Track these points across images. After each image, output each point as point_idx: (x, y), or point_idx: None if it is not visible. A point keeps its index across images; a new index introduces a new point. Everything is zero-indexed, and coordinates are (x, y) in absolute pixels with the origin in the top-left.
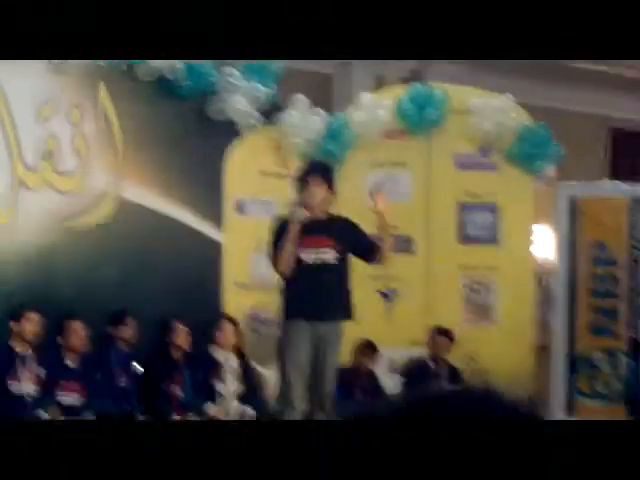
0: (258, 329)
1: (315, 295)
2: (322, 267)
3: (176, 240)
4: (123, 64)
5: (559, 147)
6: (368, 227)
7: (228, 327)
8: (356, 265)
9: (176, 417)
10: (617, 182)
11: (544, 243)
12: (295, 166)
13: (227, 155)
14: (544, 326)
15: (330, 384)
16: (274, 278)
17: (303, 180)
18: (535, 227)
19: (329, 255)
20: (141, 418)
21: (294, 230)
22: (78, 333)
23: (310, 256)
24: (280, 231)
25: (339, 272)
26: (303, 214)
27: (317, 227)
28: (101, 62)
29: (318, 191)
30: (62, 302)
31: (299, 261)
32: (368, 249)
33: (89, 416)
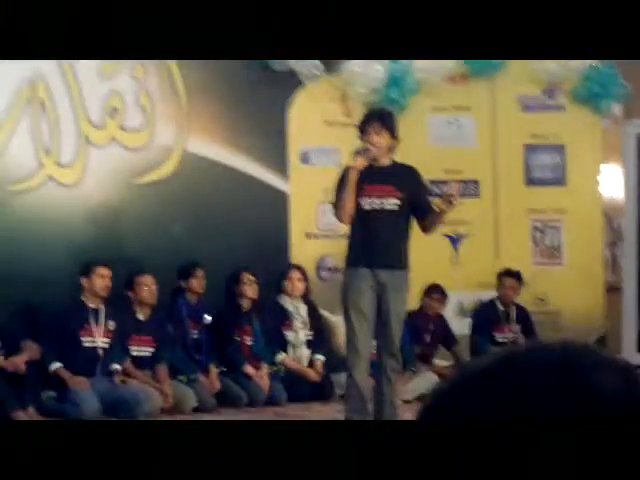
0: (326, 277)
1: (375, 243)
2: (385, 215)
3: (243, 192)
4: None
5: (625, 85)
6: (430, 172)
7: (296, 276)
8: None
9: (248, 368)
10: None
11: (612, 182)
12: (358, 114)
13: (291, 105)
14: (614, 266)
15: (397, 331)
16: (340, 226)
17: (364, 128)
18: (603, 166)
19: (392, 203)
20: (214, 368)
21: (352, 178)
22: (148, 287)
23: (373, 204)
24: (342, 180)
25: (402, 220)
26: (362, 162)
27: (381, 175)
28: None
29: (379, 138)
30: (132, 257)
31: (362, 209)
32: (424, 210)
33: (162, 367)
